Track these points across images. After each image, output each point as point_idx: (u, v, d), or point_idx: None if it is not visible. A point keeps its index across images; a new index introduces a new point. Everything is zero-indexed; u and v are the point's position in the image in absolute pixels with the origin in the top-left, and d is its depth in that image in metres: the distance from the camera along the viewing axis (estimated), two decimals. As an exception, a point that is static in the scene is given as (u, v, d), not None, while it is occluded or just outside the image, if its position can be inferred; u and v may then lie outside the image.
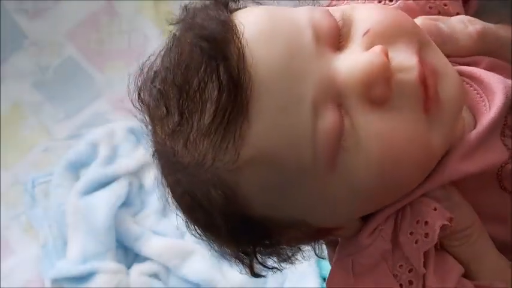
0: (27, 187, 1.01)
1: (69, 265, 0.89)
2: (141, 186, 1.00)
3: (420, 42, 0.42)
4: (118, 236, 0.92)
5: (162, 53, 0.47)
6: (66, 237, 0.93)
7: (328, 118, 0.40)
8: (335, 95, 0.40)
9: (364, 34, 0.41)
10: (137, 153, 1.00)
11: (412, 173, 0.42)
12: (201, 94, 0.41)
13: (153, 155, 0.47)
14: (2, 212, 1.01)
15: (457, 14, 0.48)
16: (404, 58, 0.41)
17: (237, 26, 0.41)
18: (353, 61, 0.40)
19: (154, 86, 0.45)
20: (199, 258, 0.91)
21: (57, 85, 1.16)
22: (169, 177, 0.47)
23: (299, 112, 0.40)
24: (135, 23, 1.23)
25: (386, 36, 0.42)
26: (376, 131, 0.40)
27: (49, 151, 1.07)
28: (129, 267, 0.93)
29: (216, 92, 0.40)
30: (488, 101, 0.45)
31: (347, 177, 0.41)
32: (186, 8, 0.47)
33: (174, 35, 0.47)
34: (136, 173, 0.99)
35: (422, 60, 0.41)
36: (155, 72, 0.47)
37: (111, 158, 0.99)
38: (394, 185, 0.42)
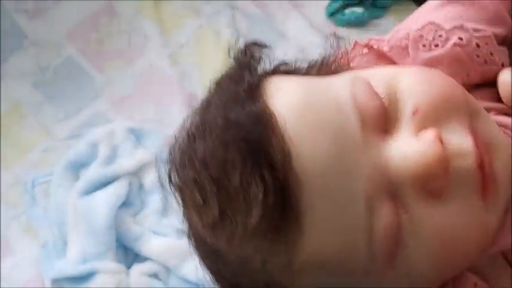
0: (27, 187, 1.01)
1: (69, 265, 0.89)
2: (141, 186, 1.00)
3: (470, 114, 0.40)
4: (118, 236, 0.92)
5: (191, 133, 0.43)
6: (66, 237, 0.93)
7: (384, 215, 0.38)
8: (389, 187, 0.38)
9: (413, 114, 0.39)
10: (137, 153, 1.00)
11: (470, 257, 0.40)
12: (244, 195, 0.37)
13: (188, 233, 0.44)
14: (2, 212, 1.01)
15: (503, 64, 0.47)
16: (458, 140, 0.38)
17: (276, 119, 0.37)
18: (406, 151, 0.38)
19: (187, 173, 0.42)
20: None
21: (57, 85, 1.16)
22: (208, 261, 0.44)
23: (353, 212, 0.37)
24: (135, 23, 1.23)
25: (437, 115, 0.39)
26: (435, 225, 0.38)
27: (49, 151, 1.07)
28: (129, 267, 0.93)
29: (261, 195, 0.37)
30: None
31: (406, 271, 0.39)
32: (214, 86, 0.44)
33: (204, 119, 0.42)
34: (136, 173, 0.99)
35: (475, 137, 0.39)
36: (188, 157, 0.42)
37: (111, 158, 0.99)
38: (449, 270, 0.41)
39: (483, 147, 0.39)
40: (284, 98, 0.40)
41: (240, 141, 0.38)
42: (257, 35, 1.21)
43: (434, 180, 0.38)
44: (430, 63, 0.45)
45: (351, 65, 0.50)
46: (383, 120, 0.39)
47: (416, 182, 0.38)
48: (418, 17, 0.53)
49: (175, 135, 0.46)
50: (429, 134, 0.38)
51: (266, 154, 0.37)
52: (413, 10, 1.30)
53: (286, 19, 1.24)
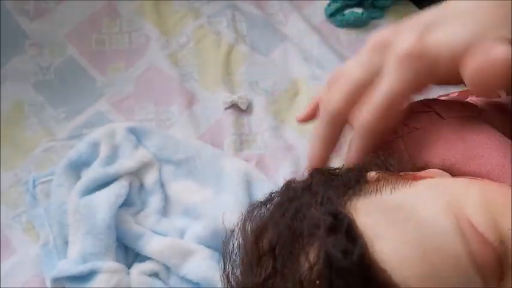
0: (27, 187, 1.01)
1: (70, 264, 0.89)
2: (141, 186, 1.00)
3: None
4: (118, 236, 0.92)
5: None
6: (67, 236, 0.94)
7: None
8: None
9: None
10: (137, 153, 1.00)
11: None
12: None
13: None
14: (3, 212, 1.01)
15: None
16: None
17: None
18: None
19: None
20: (200, 258, 0.91)
21: (58, 85, 1.16)
22: None
23: None
24: (136, 23, 1.23)
25: None
26: None
27: (50, 151, 1.07)
28: (129, 266, 0.93)
29: None
30: None
31: None
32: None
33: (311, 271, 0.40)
34: (136, 173, 0.99)
35: None
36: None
37: (112, 157, 1.00)
38: None
39: None
40: (399, 262, 0.38)
41: None
42: (257, 35, 1.22)
43: None
44: None
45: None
46: (499, 269, 0.38)
47: None
48: None
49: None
50: None
51: None
52: (412, 11, 1.31)
53: (286, 19, 1.24)
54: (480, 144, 0.49)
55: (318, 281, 0.38)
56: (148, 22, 1.23)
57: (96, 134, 1.02)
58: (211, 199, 0.99)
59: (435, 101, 0.58)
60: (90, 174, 0.97)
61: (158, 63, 1.19)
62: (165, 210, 0.99)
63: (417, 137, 0.52)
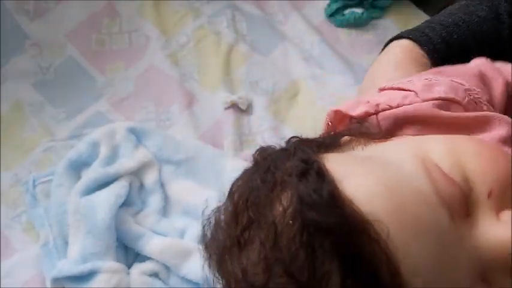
0: (27, 187, 1.01)
1: (70, 264, 0.89)
2: (141, 186, 1.00)
3: None
4: (118, 236, 0.92)
5: (262, 239, 0.40)
6: (67, 236, 0.94)
7: None
8: (482, 273, 0.41)
9: (489, 197, 0.41)
10: (137, 153, 1.00)
11: None
12: None
13: None
14: (3, 212, 1.01)
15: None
16: None
17: (371, 222, 0.37)
18: (495, 237, 0.40)
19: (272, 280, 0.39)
20: (199, 258, 0.91)
21: (58, 85, 1.16)
22: None
23: None
24: (136, 23, 1.23)
25: (508, 193, 0.42)
26: None
27: (50, 151, 1.07)
28: (129, 266, 0.93)
29: None
30: None
31: None
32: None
33: (275, 225, 0.40)
34: (136, 173, 0.99)
35: None
36: (268, 265, 0.40)
37: (112, 158, 1.00)
38: None
39: None
40: (364, 193, 0.40)
41: (337, 252, 0.37)
42: (257, 35, 1.22)
43: None
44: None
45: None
46: (465, 206, 0.41)
47: (507, 264, 0.40)
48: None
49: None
50: (506, 217, 0.40)
51: (370, 266, 0.37)
52: (412, 11, 1.31)
53: (286, 19, 1.24)
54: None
55: (291, 221, 0.39)
56: (148, 22, 1.23)
57: (96, 134, 1.02)
58: (212, 199, 0.98)
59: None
60: (90, 174, 0.97)
61: (158, 63, 1.19)
62: (165, 210, 0.99)
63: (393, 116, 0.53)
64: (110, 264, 0.89)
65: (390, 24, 1.20)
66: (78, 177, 0.99)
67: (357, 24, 1.21)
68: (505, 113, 0.56)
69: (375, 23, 1.22)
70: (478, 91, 0.54)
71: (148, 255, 0.92)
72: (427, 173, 0.42)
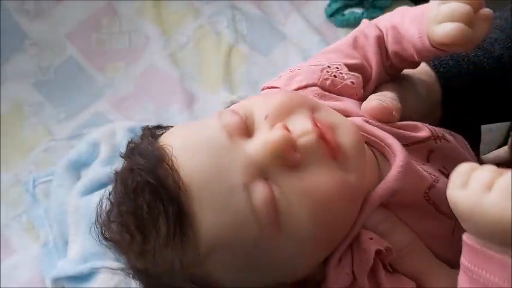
0: (28, 187, 1.01)
1: (70, 264, 0.89)
2: (141, 186, 1.00)
3: (311, 108, 0.52)
4: (118, 236, 0.92)
5: (110, 196, 0.54)
6: (67, 236, 0.94)
7: (259, 192, 0.48)
8: (259, 172, 0.49)
9: (265, 119, 0.51)
10: (138, 153, 1.00)
11: (343, 211, 0.50)
12: (152, 212, 0.48)
13: (134, 278, 0.55)
14: (3, 212, 1.01)
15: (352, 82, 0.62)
16: (301, 125, 0.50)
17: (167, 150, 0.49)
18: (262, 141, 0.49)
19: (113, 222, 0.53)
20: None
21: (58, 85, 1.16)
22: (147, 284, 0.54)
23: (235, 198, 0.48)
24: (136, 23, 1.23)
25: (282, 114, 0.51)
26: (300, 189, 0.48)
27: (50, 151, 1.08)
28: (129, 266, 0.93)
29: (162, 207, 0.48)
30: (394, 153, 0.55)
31: (293, 234, 0.49)
32: (128, 146, 0.56)
33: (116, 173, 0.54)
34: (136, 173, 0.99)
35: (317, 121, 0.50)
36: (108, 212, 0.54)
37: (112, 157, 1.00)
38: (333, 226, 0.50)
39: (325, 127, 0.50)
40: (171, 135, 0.53)
41: (142, 170, 0.49)
42: (257, 35, 1.22)
43: (287, 155, 0.48)
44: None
45: None
46: (244, 128, 0.51)
47: (274, 160, 0.49)
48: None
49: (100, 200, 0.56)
50: (277, 125, 0.50)
51: (160, 176, 0.49)
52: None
53: (286, 19, 1.24)
54: None
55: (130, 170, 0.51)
56: (148, 22, 1.23)
57: (96, 134, 1.02)
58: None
59: None
60: (90, 174, 0.97)
61: (158, 63, 1.19)
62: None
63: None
64: (110, 264, 0.89)
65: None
66: (78, 177, 0.99)
67: (357, 24, 1.20)
68: (390, 67, 0.67)
69: (375, 23, 1.22)
70: (338, 65, 0.63)
71: (148, 255, 0.92)
72: (219, 114, 0.52)
